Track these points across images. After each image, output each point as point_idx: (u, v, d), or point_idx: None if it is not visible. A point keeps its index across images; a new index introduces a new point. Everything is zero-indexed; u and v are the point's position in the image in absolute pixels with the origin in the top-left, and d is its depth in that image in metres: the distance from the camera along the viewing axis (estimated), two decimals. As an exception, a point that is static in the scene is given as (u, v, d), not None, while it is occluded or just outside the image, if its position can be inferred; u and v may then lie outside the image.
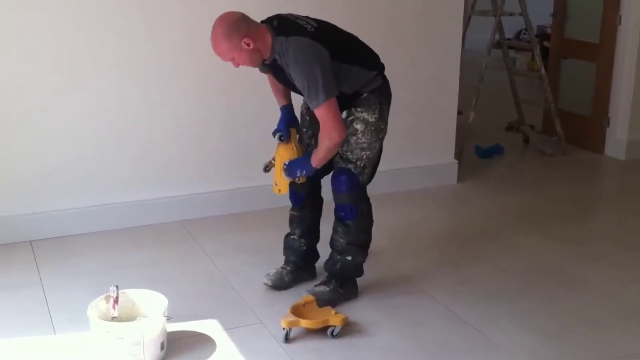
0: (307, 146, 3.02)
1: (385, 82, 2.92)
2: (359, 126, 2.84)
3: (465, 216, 4.12)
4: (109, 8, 3.52)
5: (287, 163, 2.89)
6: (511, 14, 5.26)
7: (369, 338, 2.77)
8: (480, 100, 5.00)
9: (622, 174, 5.01)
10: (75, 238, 3.61)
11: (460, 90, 4.50)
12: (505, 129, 5.90)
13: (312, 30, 2.71)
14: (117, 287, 2.63)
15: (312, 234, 3.16)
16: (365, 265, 3.28)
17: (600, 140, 5.31)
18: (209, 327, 2.82)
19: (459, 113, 4.65)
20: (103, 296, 2.66)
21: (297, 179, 2.88)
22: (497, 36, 5.25)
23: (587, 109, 5.44)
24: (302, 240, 3.14)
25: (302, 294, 2.96)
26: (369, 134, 2.85)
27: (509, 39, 6.22)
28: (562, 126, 5.30)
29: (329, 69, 2.67)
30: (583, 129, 5.44)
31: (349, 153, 2.86)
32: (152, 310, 2.67)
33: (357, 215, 2.92)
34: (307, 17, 2.83)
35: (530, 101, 5.83)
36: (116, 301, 2.62)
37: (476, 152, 5.20)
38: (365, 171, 2.91)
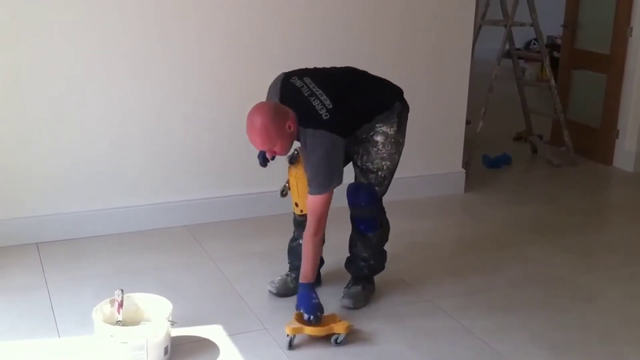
0: None
1: (405, 107, 3.00)
2: (379, 138, 2.89)
3: (473, 226, 4.10)
4: (122, 13, 3.53)
5: (304, 312, 2.78)
6: (522, 24, 5.25)
7: (374, 347, 2.75)
8: (489, 110, 4.98)
9: (630, 185, 4.98)
10: (81, 241, 3.61)
11: (469, 100, 4.48)
12: (513, 139, 5.88)
13: (327, 117, 2.72)
14: (122, 290, 2.64)
15: None
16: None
17: (609, 152, 5.28)
18: (213, 332, 2.81)
19: (468, 122, 4.63)
20: (108, 300, 2.66)
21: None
22: (507, 46, 5.24)
23: (596, 120, 5.42)
24: None
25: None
26: (389, 145, 2.90)
27: (518, 49, 6.21)
28: (571, 137, 5.28)
29: (340, 158, 2.76)
30: (592, 140, 5.41)
31: (369, 163, 2.89)
32: (157, 315, 2.67)
33: (377, 228, 2.99)
34: (320, 84, 2.81)
35: (539, 111, 5.81)
36: (121, 305, 2.62)
37: (484, 161, 5.18)
38: (385, 182, 2.96)
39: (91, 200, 3.67)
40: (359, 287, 3.06)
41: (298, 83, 2.82)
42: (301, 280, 2.83)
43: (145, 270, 3.32)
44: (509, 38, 5.23)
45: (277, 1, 3.83)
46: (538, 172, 5.26)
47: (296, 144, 2.95)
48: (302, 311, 2.79)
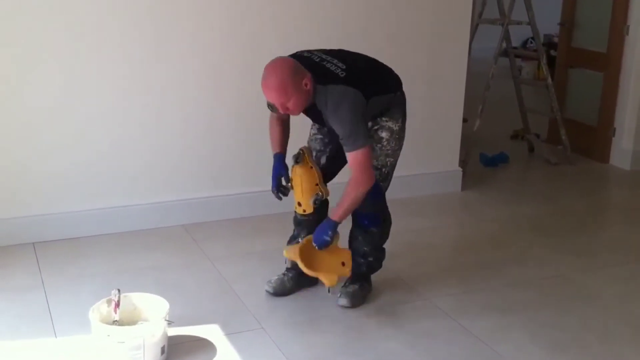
0: (320, 152, 3.04)
1: (404, 96, 3.02)
2: (384, 134, 2.90)
3: (470, 224, 4.09)
4: (121, 12, 3.53)
5: (313, 240, 2.84)
6: (518, 23, 5.25)
7: (372, 347, 2.75)
8: (486, 108, 4.98)
9: (627, 183, 4.99)
10: (78, 241, 3.60)
11: (466, 98, 4.48)
12: (510, 137, 5.88)
13: (344, 75, 2.74)
14: (118, 290, 2.63)
15: None
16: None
17: (606, 150, 5.29)
18: (210, 332, 2.81)
19: (465, 121, 4.64)
20: (104, 299, 2.65)
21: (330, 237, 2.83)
22: (504, 44, 5.24)
23: (593, 118, 5.42)
24: None
25: (303, 298, 2.95)
26: (393, 142, 2.92)
27: (515, 48, 6.21)
28: (568, 135, 5.28)
29: (365, 114, 2.75)
30: (589, 138, 5.42)
31: (375, 160, 2.89)
32: (154, 315, 2.66)
33: (380, 223, 2.99)
34: (326, 52, 2.85)
35: (536, 110, 5.81)
36: (117, 305, 2.62)
37: (481, 160, 5.18)
38: (389, 177, 2.98)
39: (88, 199, 3.65)
40: (357, 286, 3.05)
41: (306, 54, 2.84)
42: (332, 215, 2.81)
43: (143, 270, 3.31)
44: (506, 37, 5.23)
45: (274, 2, 3.83)
46: (535, 171, 5.26)
47: (294, 140, 2.94)
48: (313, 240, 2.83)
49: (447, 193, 4.49)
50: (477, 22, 5.33)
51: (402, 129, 2.98)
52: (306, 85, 2.69)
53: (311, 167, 2.95)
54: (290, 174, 2.98)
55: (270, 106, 2.83)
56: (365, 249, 3.02)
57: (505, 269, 3.45)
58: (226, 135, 3.88)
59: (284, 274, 3.15)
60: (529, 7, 5.11)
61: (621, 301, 3.17)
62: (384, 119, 2.90)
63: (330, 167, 3.04)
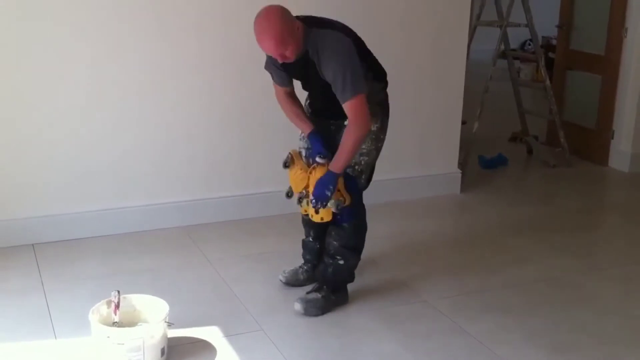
0: (308, 157, 3.03)
1: (387, 96, 2.98)
2: None
3: (468, 226, 4.10)
4: (123, 18, 3.54)
5: (312, 195, 2.83)
6: (517, 25, 5.26)
7: (370, 348, 2.76)
8: (485, 110, 4.99)
9: (626, 186, 5.00)
10: (78, 242, 3.60)
11: (465, 100, 4.49)
12: (509, 139, 5.89)
13: (340, 26, 2.78)
14: (118, 292, 2.63)
15: (324, 236, 3.12)
16: (366, 274, 3.28)
17: (604, 152, 5.30)
18: (210, 333, 2.81)
19: (463, 123, 4.64)
20: (104, 301, 2.66)
21: (330, 196, 2.81)
22: (502, 46, 5.25)
23: (592, 120, 5.44)
24: (317, 242, 3.15)
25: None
26: (369, 142, 2.90)
27: (513, 50, 6.23)
28: (566, 137, 5.30)
29: (359, 65, 2.72)
30: (587, 140, 5.43)
31: None
32: (153, 316, 2.67)
33: (353, 218, 2.94)
34: (329, 19, 2.87)
35: (534, 112, 5.82)
36: (117, 306, 2.62)
37: (480, 162, 5.19)
38: (363, 176, 2.95)
39: (88, 201, 3.66)
40: (318, 296, 2.98)
41: (302, 16, 2.83)
42: (331, 167, 2.80)
43: (142, 272, 3.31)
44: (504, 39, 5.24)
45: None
46: (534, 173, 5.27)
47: (290, 142, 2.95)
48: (312, 194, 2.81)
49: (446, 195, 4.50)
50: (475, 24, 5.35)
51: (381, 129, 2.93)
52: (298, 29, 2.68)
53: (301, 169, 2.96)
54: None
55: (272, 71, 2.86)
56: (335, 243, 2.95)
57: (504, 271, 3.46)
58: (224, 136, 3.89)
59: (299, 266, 3.19)
60: (527, 10, 5.13)
61: (620, 303, 3.18)
62: None
63: None
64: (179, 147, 3.81)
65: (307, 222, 3.14)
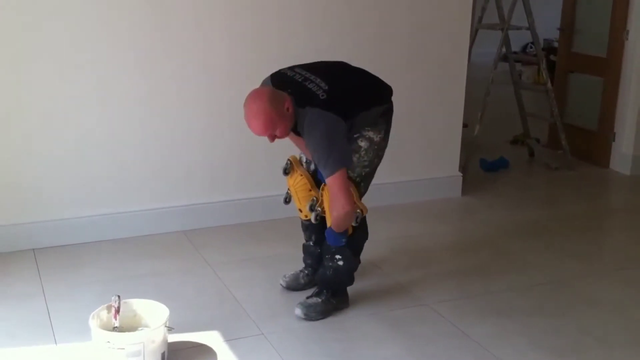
0: (309, 163, 3.06)
1: (391, 106, 2.97)
2: (363, 144, 2.87)
3: (470, 230, 4.09)
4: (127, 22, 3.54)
5: (327, 240, 2.92)
6: (518, 28, 5.26)
7: (372, 352, 2.75)
8: (486, 113, 4.99)
9: (627, 188, 4.99)
10: (78, 247, 3.60)
11: (466, 103, 4.49)
12: (510, 142, 5.89)
13: (324, 97, 2.74)
14: (118, 297, 2.63)
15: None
16: (367, 278, 3.28)
17: (606, 155, 5.29)
18: (210, 338, 2.80)
19: (465, 126, 4.64)
20: (104, 306, 2.65)
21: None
22: (503, 49, 5.25)
23: (593, 123, 5.43)
24: (317, 247, 3.15)
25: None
26: (371, 152, 2.89)
27: (515, 53, 6.23)
28: (568, 140, 5.29)
29: (343, 137, 2.74)
30: (589, 143, 5.42)
31: (349, 171, 2.85)
32: (154, 321, 2.66)
33: (356, 223, 2.92)
34: (312, 71, 2.83)
35: (536, 115, 5.81)
36: (117, 311, 2.62)
37: (481, 165, 5.18)
38: (362, 184, 2.94)
39: (88, 206, 3.66)
40: (319, 300, 2.98)
41: (289, 72, 2.84)
42: (334, 229, 2.86)
43: (143, 277, 3.31)
44: (506, 42, 5.24)
45: (279, 11, 3.84)
46: (535, 176, 5.26)
47: (290, 147, 2.94)
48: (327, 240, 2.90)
49: (448, 198, 4.49)
50: (476, 27, 5.35)
51: (384, 139, 2.94)
52: (288, 109, 2.71)
53: (301, 175, 2.98)
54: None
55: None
56: (334, 246, 2.95)
57: (504, 274, 3.45)
58: (225, 141, 3.88)
59: (300, 270, 3.19)
60: (528, 13, 5.13)
61: (621, 306, 3.17)
62: (366, 128, 2.87)
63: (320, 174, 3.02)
64: (180, 151, 3.81)
65: (307, 226, 3.14)
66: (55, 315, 2.94)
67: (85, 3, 3.46)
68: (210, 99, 3.82)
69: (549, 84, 5.28)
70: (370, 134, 2.87)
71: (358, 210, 2.87)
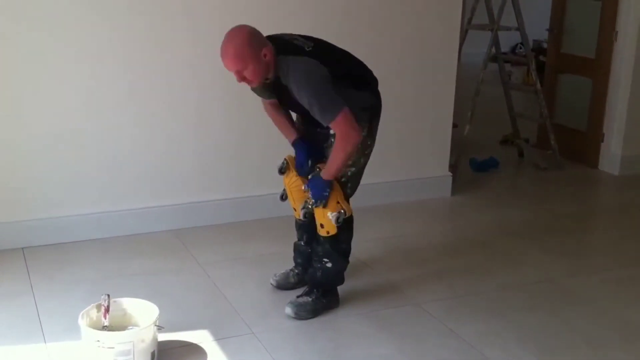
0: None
1: (378, 99, 2.95)
2: None
3: (460, 229, 4.11)
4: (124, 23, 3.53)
5: (310, 197, 2.84)
6: (508, 29, 5.28)
7: (361, 351, 2.75)
8: (476, 113, 5.01)
9: (616, 188, 5.02)
10: (68, 246, 3.58)
11: (456, 103, 4.50)
12: (500, 142, 5.91)
13: (310, 49, 2.74)
14: (108, 295, 2.62)
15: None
16: (358, 277, 3.28)
17: (595, 155, 5.32)
18: (200, 337, 2.80)
19: (454, 126, 4.65)
20: (94, 305, 2.64)
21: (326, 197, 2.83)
22: (493, 50, 5.27)
23: (583, 123, 5.46)
24: (308, 247, 3.14)
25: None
26: (356, 152, 2.84)
27: (504, 53, 6.25)
28: (557, 140, 5.31)
29: (331, 83, 2.69)
30: (578, 143, 5.45)
31: None
32: (144, 320, 2.66)
33: (338, 223, 2.87)
34: (302, 35, 2.85)
35: (525, 115, 5.84)
36: (107, 310, 2.61)
37: (471, 165, 5.20)
38: (348, 184, 2.93)
39: (78, 204, 3.64)
40: (309, 299, 2.98)
41: (277, 35, 2.83)
42: (324, 176, 2.80)
43: (133, 275, 3.30)
44: (495, 42, 5.26)
45: (280, 16, 3.84)
46: (525, 176, 5.29)
47: (284, 147, 2.94)
48: (309, 194, 2.82)
49: (437, 198, 4.50)
50: (466, 27, 5.36)
51: (368, 137, 2.87)
52: (265, 55, 2.68)
53: (296, 175, 3.00)
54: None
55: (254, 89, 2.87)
56: (322, 249, 2.94)
57: (494, 274, 3.47)
58: (216, 140, 3.88)
59: (290, 269, 3.19)
60: (518, 13, 5.15)
61: (610, 305, 3.19)
62: None
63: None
64: (171, 150, 3.80)
65: (300, 225, 3.14)
66: (44, 314, 2.93)
67: (86, 7, 3.46)
68: (201, 98, 3.81)
69: (538, 85, 5.31)
70: None
71: (342, 210, 2.85)
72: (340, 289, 3.08)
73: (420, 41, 4.26)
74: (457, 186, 4.65)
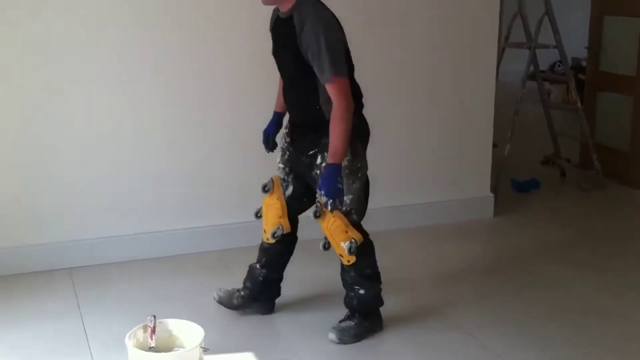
0: (283, 181, 3.03)
1: (361, 120, 2.87)
2: None
3: (502, 251, 4.05)
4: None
5: (323, 193, 2.70)
6: (546, 47, 5.24)
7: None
8: (516, 133, 4.96)
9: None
10: (114, 266, 3.63)
11: (496, 123, 4.47)
12: (541, 162, 5.83)
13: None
14: (154, 316, 2.64)
15: (274, 267, 3.11)
16: (400, 299, 3.25)
17: (638, 176, 5.21)
18: (245, 359, 2.80)
19: (494, 146, 4.62)
20: (140, 325, 2.67)
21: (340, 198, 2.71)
22: (531, 68, 5.23)
23: (625, 143, 5.36)
24: (263, 271, 3.10)
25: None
26: (345, 178, 2.75)
27: (543, 71, 6.19)
28: (600, 160, 5.22)
29: (344, 49, 2.68)
30: (621, 163, 5.35)
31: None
32: (189, 341, 2.67)
33: (351, 253, 2.83)
34: None
35: (566, 134, 5.76)
36: (153, 331, 2.63)
37: (512, 185, 5.14)
38: (352, 212, 2.85)
39: (123, 225, 3.70)
40: (352, 323, 2.93)
41: None
42: (330, 160, 2.67)
43: (178, 296, 3.33)
44: (534, 60, 5.22)
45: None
46: (567, 196, 5.17)
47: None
48: (321, 193, 2.68)
49: (479, 219, 4.45)
50: (503, 45, 5.33)
51: (355, 159, 2.78)
52: None
53: (277, 199, 2.97)
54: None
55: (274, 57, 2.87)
56: (348, 279, 2.91)
57: (539, 297, 3.40)
58: (253, 160, 3.90)
59: (237, 290, 3.13)
60: (555, 31, 5.10)
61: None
62: (326, 154, 2.72)
63: (294, 203, 3.00)
64: (214, 170, 3.84)
65: (265, 249, 3.10)
66: (91, 334, 2.97)
67: (112, 21, 3.53)
68: (237, 117, 3.82)
69: (579, 103, 5.23)
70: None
71: (352, 239, 2.80)
72: (386, 311, 3.04)
73: (457, 61, 4.25)
74: (499, 207, 4.60)
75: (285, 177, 3.02)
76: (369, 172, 2.91)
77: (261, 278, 3.10)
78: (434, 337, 3.01)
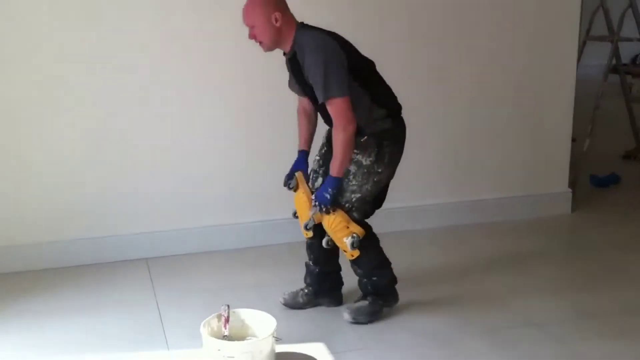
0: (315, 173, 3.03)
1: (397, 126, 2.87)
2: (351, 167, 2.81)
3: (582, 247, 3.93)
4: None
5: (314, 198, 2.83)
6: (629, 40, 5.05)
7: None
8: (596, 127, 4.80)
9: None
10: (189, 257, 3.70)
11: (575, 117, 4.34)
12: (622, 157, 5.63)
13: (333, 35, 2.76)
14: (228, 306, 2.68)
15: (326, 261, 3.11)
16: (475, 293, 3.20)
17: None
18: (317, 350, 2.81)
19: (573, 140, 4.48)
20: (215, 315, 2.71)
21: (329, 202, 2.78)
22: (613, 61, 5.05)
23: None
24: (316, 267, 3.12)
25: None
26: (360, 177, 2.80)
27: (625, 65, 5.97)
28: (685, 156, 5.00)
29: (345, 68, 2.69)
30: None
31: (339, 196, 2.81)
32: (261, 331, 2.70)
33: (354, 248, 2.85)
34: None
35: (649, 129, 5.54)
36: (227, 320, 2.67)
37: (591, 181, 4.98)
38: (354, 209, 2.85)
39: (199, 217, 3.77)
40: (365, 302, 2.98)
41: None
42: (330, 171, 2.78)
43: (250, 286, 3.37)
44: (616, 54, 5.04)
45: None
46: (649, 192, 5.00)
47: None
48: (313, 197, 2.82)
49: (557, 215, 4.33)
50: (584, 39, 5.17)
51: (378, 163, 2.81)
52: (276, 20, 2.69)
53: (304, 193, 2.96)
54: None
55: (291, 82, 2.92)
56: (360, 270, 2.95)
57: (617, 294, 3.29)
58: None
59: (301, 289, 3.15)
60: (638, 23, 4.91)
61: None
62: (355, 150, 2.78)
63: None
64: (280, 164, 3.85)
65: (308, 245, 3.11)
66: (167, 322, 3.04)
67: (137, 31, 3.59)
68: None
69: (664, 97, 5.03)
70: (359, 157, 2.80)
71: (354, 234, 2.81)
72: (462, 306, 3.00)
73: (537, 55, 4.15)
74: (578, 203, 4.47)
75: (317, 169, 3.03)
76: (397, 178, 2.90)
77: (317, 272, 3.13)
78: (509, 332, 2.94)
